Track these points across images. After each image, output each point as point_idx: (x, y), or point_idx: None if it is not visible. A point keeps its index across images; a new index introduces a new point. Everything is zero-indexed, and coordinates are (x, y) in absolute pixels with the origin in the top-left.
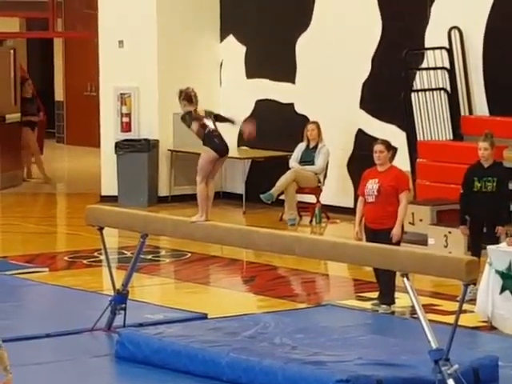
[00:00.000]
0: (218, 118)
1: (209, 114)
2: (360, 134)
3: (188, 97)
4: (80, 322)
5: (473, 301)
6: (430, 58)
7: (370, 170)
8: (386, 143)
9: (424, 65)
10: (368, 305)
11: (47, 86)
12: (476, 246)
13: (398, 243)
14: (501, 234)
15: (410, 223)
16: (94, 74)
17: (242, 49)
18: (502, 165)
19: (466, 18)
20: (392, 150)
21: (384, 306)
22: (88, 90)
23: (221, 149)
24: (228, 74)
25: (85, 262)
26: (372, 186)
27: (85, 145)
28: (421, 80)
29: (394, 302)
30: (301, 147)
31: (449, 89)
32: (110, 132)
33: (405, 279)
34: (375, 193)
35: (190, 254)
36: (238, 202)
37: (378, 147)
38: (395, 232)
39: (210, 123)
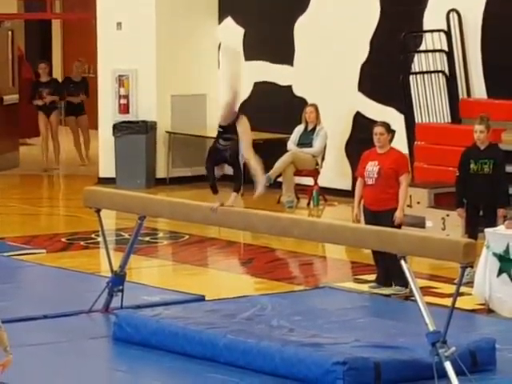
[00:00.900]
0: None
1: None
2: (358, 116)
3: None
4: (77, 303)
5: (470, 283)
6: (429, 41)
7: (369, 152)
8: (386, 125)
9: (422, 47)
10: (365, 287)
11: None
12: (472, 228)
13: (399, 226)
14: (501, 216)
15: (407, 206)
16: (92, 56)
17: (241, 31)
18: (498, 147)
19: (465, 0)
20: (391, 132)
21: (397, 288)
22: (86, 71)
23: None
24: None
25: (82, 243)
26: (372, 168)
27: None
28: (419, 63)
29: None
30: (299, 129)
31: (447, 71)
32: (107, 114)
33: (402, 262)
34: (375, 175)
35: (187, 236)
36: None
37: (378, 129)
38: (398, 215)
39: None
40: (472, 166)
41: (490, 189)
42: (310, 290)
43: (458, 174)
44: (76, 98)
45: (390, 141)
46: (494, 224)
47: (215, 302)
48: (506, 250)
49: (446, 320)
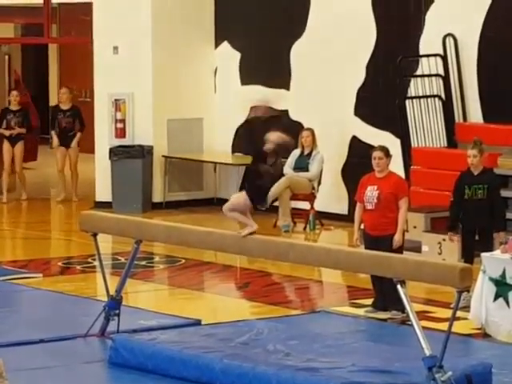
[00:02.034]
0: None
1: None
2: (354, 140)
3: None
4: (74, 327)
5: (466, 308)
6: (425, 65)
7: (368, 176)
8: (385, 150)
9: (419, 72)
10: (362, 311)
11: (42, 91)
12: (468, 253)
13: (399, 250)
14: (498, 240)
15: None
16: (89, 80)
17: (237, 55)
18: (492, 171)
19: (461, 25)
20: (390, 156)
21: (394, 312)
22: (82, 95)
23: (258, 202)
24: (222, 80)
25: (79, 267)
26: (371, 192)
27: (79, 151)
28: (415, 87)
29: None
30: (295, 154)
31: (443, 96)
32: (104, 138)
33: (399, 286)
34: (375, 200)
35: (183, 260)
36: None
37: (377, 154)
38: (397, 238)
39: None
40: (466, 191)
41: (485, 214)
42: (307, 315)
43: (452, 199)
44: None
45: (387, 165)
46: (489, 249)
47: (211, 326)
48: (503, 275)
49: (442, 344)
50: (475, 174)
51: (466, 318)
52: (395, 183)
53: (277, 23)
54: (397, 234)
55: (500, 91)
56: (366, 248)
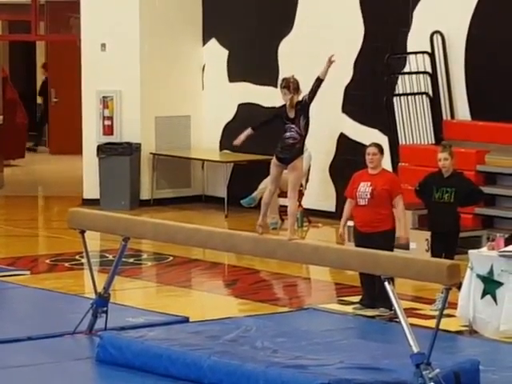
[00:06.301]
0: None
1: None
2: (342, 138)
3: (287, 84)
4: (61, 325)
5: (453, 304)
6: (413, 63)
7: (360, 173)
8: (378, 146)
9: (406, 69)
10: (350, 309)
11: (29, 88)
12: (437, 256)
13: (390, 247)
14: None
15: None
16: (77, 77)
17: (225, 52)
18: (462, 176)
19: (448, 22)
20: (383, 153)
21: (382, 309)
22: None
23: (277, 156)
24: (210, 77)
25: (66, 264)
26: (365, 188)
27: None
28: (403, 84)
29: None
30: None
31: (431, 93)
32: (92, 135)
33: (386, 283)
34: (368, 196)
35: (171, 258)
36: (220, 206)
37: (371, 150)
38: (403, 235)
39: (290, 128)
40: (434, 193)
41: (451, 217)
42: (295, 312)
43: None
44: None
45: (380, 162)
46: (454, 253)
47: (199, 323)
48: (490, 272)
49: (429, 341)
50: (445, 176)
51: (453, 315)
52: (389, 180)
53: (265, 20)
54: (401, 230)
55: (487, 89)
56: (356, 245)
